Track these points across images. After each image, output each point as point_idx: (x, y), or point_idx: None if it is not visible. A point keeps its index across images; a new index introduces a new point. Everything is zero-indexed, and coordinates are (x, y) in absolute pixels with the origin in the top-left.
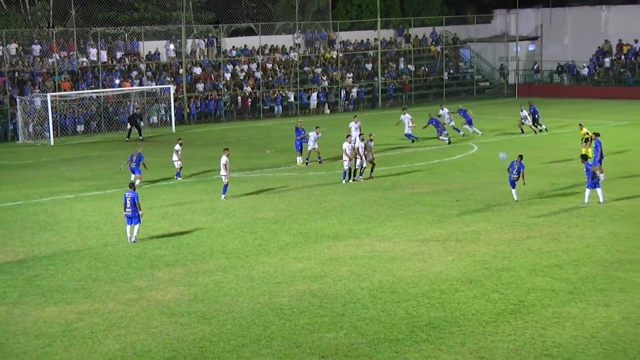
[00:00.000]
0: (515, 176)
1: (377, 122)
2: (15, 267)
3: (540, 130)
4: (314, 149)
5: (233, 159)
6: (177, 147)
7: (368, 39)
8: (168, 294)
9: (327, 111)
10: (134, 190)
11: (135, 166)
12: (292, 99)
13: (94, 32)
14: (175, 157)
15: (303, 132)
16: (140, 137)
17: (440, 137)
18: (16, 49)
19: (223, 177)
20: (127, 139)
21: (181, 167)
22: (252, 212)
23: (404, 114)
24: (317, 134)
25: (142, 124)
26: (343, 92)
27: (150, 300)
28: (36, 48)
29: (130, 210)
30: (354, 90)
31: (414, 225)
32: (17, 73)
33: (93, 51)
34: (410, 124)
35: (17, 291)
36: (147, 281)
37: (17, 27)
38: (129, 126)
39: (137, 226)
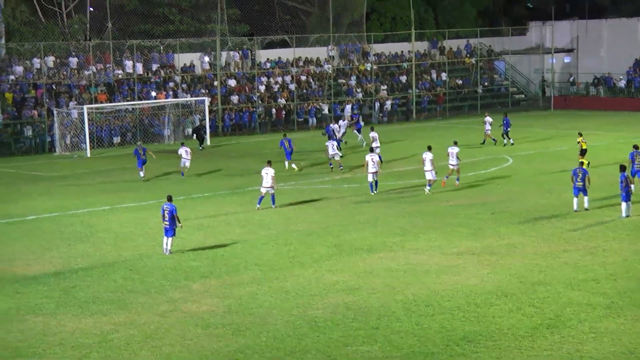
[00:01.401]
0: (580, 184)
1: (411, 134)
2: (52, 278)
3: (505, 145)
4: (333, 156)
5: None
6: (185, 149)
7: (402, 51)
8: (203, 306)
9: (362, 123)
10: (172, 202)
11: (144, 159)
12: (326, 111)
13: (129, 44)
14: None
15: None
16: (201, 147)
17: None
18: (54, 61)
19: (270, 189)
20: (201, 147)
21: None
22: (286, 224)
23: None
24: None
25: (205, 135)
26: (377, 104)
27: (185, 312)
28: (73, 60)
29: (167, 223)
30: (388, 102)
31: (449, 238)
32: (54, 85)
33: (129, 63)
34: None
35: (54, 302)
36: (182, 293)
37: (55, 40)
38: (194, 137)
39: (170, 239)
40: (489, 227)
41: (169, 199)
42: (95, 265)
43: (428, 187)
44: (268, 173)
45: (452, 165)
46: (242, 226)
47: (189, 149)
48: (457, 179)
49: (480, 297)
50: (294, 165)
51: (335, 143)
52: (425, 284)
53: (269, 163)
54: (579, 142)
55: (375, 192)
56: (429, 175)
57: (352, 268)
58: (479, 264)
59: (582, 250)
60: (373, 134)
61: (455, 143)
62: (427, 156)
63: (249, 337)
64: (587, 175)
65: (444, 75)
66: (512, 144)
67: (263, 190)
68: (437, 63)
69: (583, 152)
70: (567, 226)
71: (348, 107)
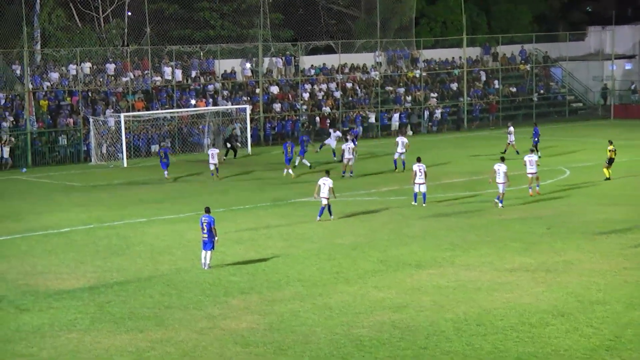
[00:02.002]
0: None
1: (462, 144)
2: (86, 292)
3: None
4: (348, 161)
5: (311, 181)
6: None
7: (453, 57)
8: (242, 323)
9: (410, 133)
10: (210, 214)
11: (166, 161)
12: (372, 120)
13: (168, 50)
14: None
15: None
16: (234, 157)
17: (303, 161)
18: (90, 68)
19: (324, 200)
20: (225, 157)
21: (217, 169)
22: (331, 237)
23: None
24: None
25: (238, 144)
26: (426, 113)
27: (224, 329)
28: (110, 67)
29: (206, 235)
30: (438, 111)
31: (501, 254)
32: (90, 92)
33: (167, 70)
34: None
35: (88, 318)
36: (221, 309)
37: (92, 46)
38: (228, 145)
39: (209, 252)
40: (544, 243)
41: (207, 210)
42: (131, 279)
43: (499, 200)
44: (326, 183)
45: (531, 173)
46: (284, 240)
47: (215, 151)
48: (537, 186)
49: (534, 316)
50: (290, 171)
51: (351, 145)
52: (476, 301)
53: (327, 173)
54: (609, 151)
55: (416, 204)
56: (503, 188)
57: (399, 284)
58: (534, 282)
59: None
60: (399, 139)
61: (532, 151)
62: (501, 168)
63: (290, 356)
64: None
65: (497, 83)
66: (539, 157)
67: (322, 201)
68: (489, 70)
69: (610, 162)
70: (627, 242)
71: (337, 133)
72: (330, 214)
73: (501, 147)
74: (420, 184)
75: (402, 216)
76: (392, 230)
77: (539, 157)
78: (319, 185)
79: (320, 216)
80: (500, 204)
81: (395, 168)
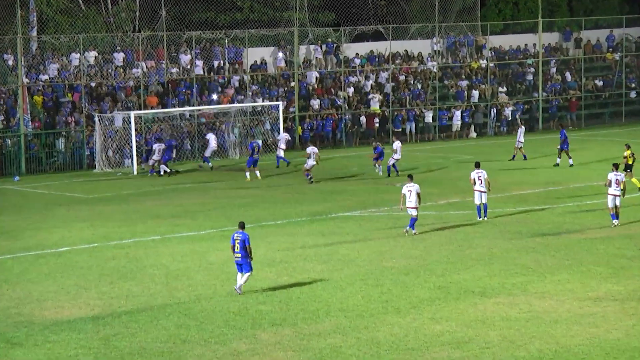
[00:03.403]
0: None
1: (537, 149)
2: (89, 323)
3: (557, 164)
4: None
5: (356, 192)
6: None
7: (526, 45)
8: None
9: (474, 135)
10: (244, 230)
11: (166, 155)
12: (429, 119)
13: (187, 36)
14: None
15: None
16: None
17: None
18: (95, 57)
19: (414, 210)
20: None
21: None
22: (378, 259)
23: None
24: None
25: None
26: (493, 111)
27: None
28: (119, 56)
29: (240, 255)
30: (508, 109)
31: (584, 280)
32: (94, 87)
33: (186, 59)
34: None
35: (91, 354)
36: (248, 344)
37: (98, 32)
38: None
39: (247, 275)
40: (635, 267)
41: (241, 226)
42: (142, 308)
43: (616, 220)
44: (412, 190)
45: None
46: (324, 262)
47: (161, 146)
48: None
49: (624, 354)
50: (257, 173)
51: (316, 150)
52: (553, 337)
53: (411, 178)
54: (625, 157)
55: (483, 217)
56: (618, 202)
57: (461, 316)
58: (623, 313)
59: None
60: (397, 144)
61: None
62: (620, 177)
63: None
64: None
65: (569, 75)
66: (571, 165)
67: (408, 211)
68: (570, 59)
69: (628, 168)
70: None
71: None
72: (413, 227)
73: (586, 151)
74: (481, 192)
75: (463, 234)
76: (452, 251)
77: (571, 165)
78: (404, 194)
79: (411, 227)
80: (614, 221)
81: (389, 175)
